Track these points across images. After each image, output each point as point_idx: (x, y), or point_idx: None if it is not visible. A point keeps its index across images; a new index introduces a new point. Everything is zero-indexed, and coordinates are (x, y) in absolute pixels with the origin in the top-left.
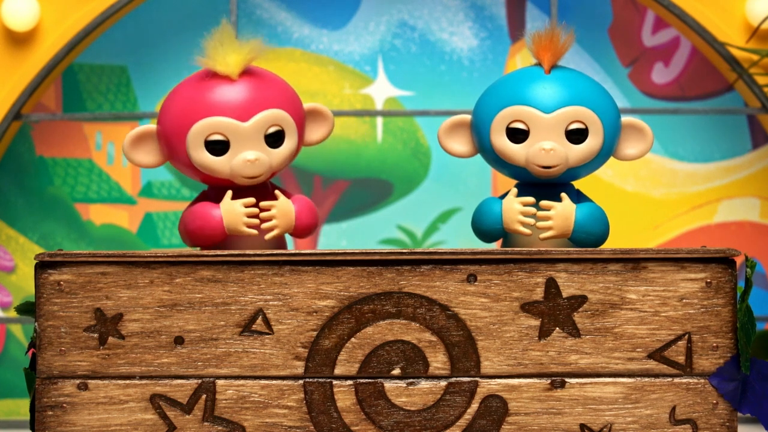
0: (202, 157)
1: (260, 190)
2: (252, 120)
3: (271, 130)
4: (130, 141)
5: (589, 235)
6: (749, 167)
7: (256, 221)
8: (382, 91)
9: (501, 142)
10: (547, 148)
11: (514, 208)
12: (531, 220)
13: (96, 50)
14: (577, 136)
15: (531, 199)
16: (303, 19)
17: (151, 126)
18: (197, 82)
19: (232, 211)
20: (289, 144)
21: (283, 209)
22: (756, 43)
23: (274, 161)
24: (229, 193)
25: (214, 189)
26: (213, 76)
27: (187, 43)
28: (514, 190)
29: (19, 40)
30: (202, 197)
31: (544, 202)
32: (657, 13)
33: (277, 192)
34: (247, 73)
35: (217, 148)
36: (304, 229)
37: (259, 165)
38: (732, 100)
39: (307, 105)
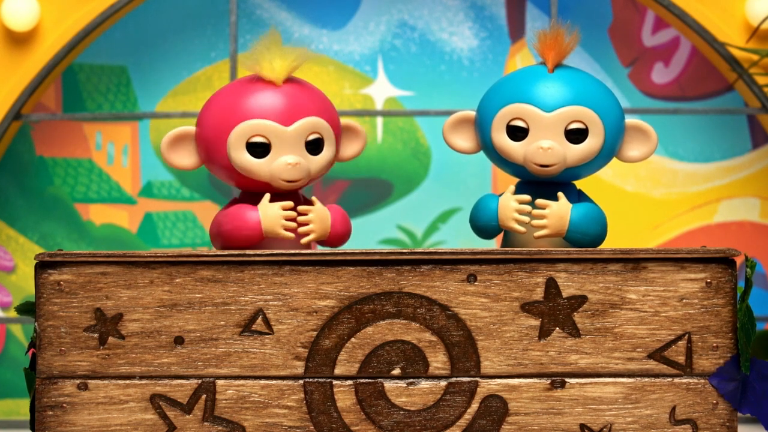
0: (243, 158)
1: (292, 197)
2: (294, 125)
3: (312, 136)
4: (168, 142)
5: (584, 236)
6: (749, 167)
7: (293, 225)
8: (382, 91)
9: (501, 139)
10: (545, 147)
11: (510, 206)
12: (526, 218)
13: (96, 50)
14: (576, 135)
15: (527, 197)
16: (303, 19)
17: (189, 128)
18: (241, 85)
19: (271, 213)
20: (327, 152)
21: (320, 215)
22: (756, 43)
23: (313, 167)
24: (267, 195)
25: (247, 194)
26: (257, 80)
27: (187, 43)
28: (512, 188)
29: (19, 40)
30: (234, 203)
31: (539, 201)
32: (657, 13)
33: (314, 198)
34: (290, 80)
35: (258, 150)
36: (338, 237)
37: (299, 169)
38: (732, 100)
39: (343, 121)
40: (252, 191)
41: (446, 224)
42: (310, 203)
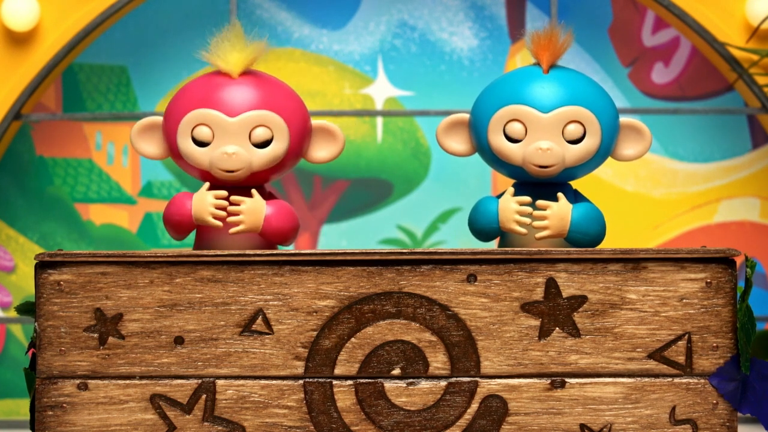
0: (187, 145)
1: (259, 191)
2: (239, 117)
3: (258, 130)
4: (137, 131)
5: (585, 236)
6: (749, 167)
7: (222, 214)
8: (382, 91)
9: (498, 141)
10: (543, 148)
11: (511, 208)
12: (527, 220)
13: (96, 50)
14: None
15: (527, 199)
16: (303, 19)
17: (158, 118)
18: (202, 78)
19: (202, 200)
20: (275, 147)
21: (253, 208)
22: (756, 43)
23: (255, 161)
24: (206, 184)
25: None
26: (218, 73)
27: (187, 43)
28: (511, 189)
29: (19, 40)
30: None
31: (540, 202)
32: (657, 13)
33: (253, 191)
34: (249, 74)
35: (202, 139)
36: (273, 233)
37: (236, 160)
38: (732, 100)
39: (317, 122)
40: (213, 184)
41: (446, 224)
42: (252, 194)
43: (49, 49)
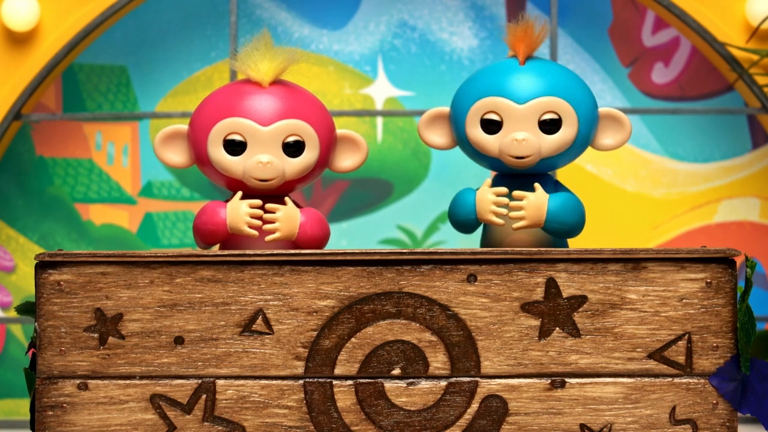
0: (219, 155)
1: (279, 202)
2: (272, 126)
3: (291, 138)
4: (161, 139)
5: (563, 225)
6: (749, 167)
7: (258, 223)
8: (382, 91)
9: (475, 133)
10: (519, 139)
11: (487, 199)
12: (503, 210)
13: (96, 50)
14: (549, 126)
15: (503, 190)
16: (303, 19)
17: (182, 126)
18: (231, 86)
19: (237, 209)
20: (308, 156)
21: (288, 215)
22: (756, 43)
23: (289, 169)
24: (239, 193)
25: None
26: (246, 82)
27: (187, 43)
28: (488, 180)
29: (19, 40)
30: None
31: (516, 193)
32: (657, 13)
33: (286, 198)
34: (279, 83)
35: (235, 148)
36: (308, 240)
37: (270, 169)
38: (732, 100)
39: (341, 131)
40: (244, 193)
41: (446, 224)
42: (286, 201)
43: (49, 49)
